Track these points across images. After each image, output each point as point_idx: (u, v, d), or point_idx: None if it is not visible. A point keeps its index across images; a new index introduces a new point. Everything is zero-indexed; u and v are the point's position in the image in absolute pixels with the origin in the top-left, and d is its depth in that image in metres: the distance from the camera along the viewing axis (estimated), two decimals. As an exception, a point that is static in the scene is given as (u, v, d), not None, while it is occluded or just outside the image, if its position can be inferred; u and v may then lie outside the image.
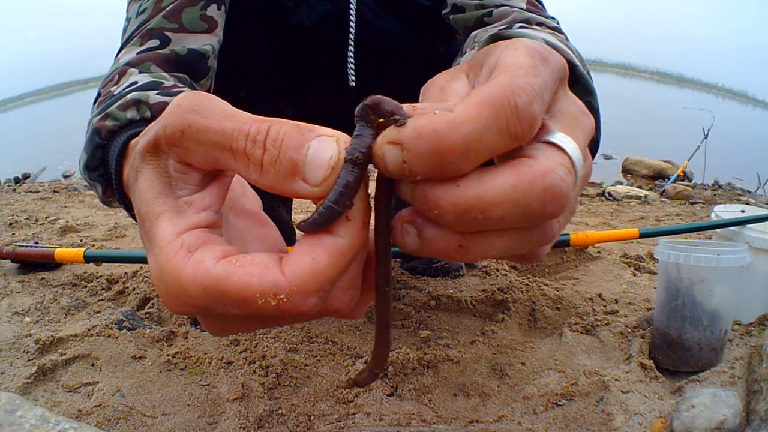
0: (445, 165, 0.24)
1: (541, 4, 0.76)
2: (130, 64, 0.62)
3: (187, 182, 0.29)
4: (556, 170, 0.25)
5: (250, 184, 0.38)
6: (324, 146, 0.25)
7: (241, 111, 0.28)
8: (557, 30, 0.65)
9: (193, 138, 0.27)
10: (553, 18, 0.69)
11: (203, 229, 0.29)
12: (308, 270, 0.25)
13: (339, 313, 0.29)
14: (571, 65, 0.51)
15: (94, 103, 0.59)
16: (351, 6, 0.88)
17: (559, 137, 0.27)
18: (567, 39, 0.63)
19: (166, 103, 0.51)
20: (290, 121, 0.26)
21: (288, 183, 0.26)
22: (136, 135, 0.47)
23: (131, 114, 0.51)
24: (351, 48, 0.90)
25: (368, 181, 0.26)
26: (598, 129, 0.56)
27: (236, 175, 0.35)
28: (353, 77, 0.92)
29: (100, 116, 0.52)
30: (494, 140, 0.24)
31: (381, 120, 0.25)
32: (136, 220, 0.32)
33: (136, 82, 0.57)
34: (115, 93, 0.56)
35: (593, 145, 0.57)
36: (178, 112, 0.27)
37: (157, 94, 0.53)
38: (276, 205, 1.16)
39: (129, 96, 0.53)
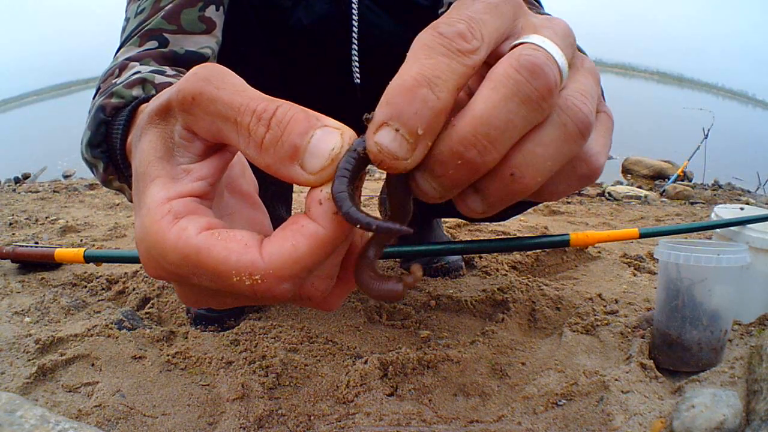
0: (427, 101, 0.24)
1: (539, 3, 0.76)
2: (131, 59, 0.63)
3: (189, 150, 0.30)
4: (520, 51, 0.26)
5: (254, 170, 0.38)
6: (328, 137, 0.26)
7: (255, 89, 0.28)
8: None
9: (201, 106, 0.28)
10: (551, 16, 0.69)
11: (194, 198, 0.29)
12: (286, 256, 0.25)
13: (312, 301, 0.29)
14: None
15: (94, 97, 0.59)
16: (353, 6, 0.89)
17: (520, 39, 0.28)
18: None
19: (171, 84, 0.51)
20: (299, 105, 0.27)
21: (285, 166, 0.26)
22: (144, 101, 0.48)
23: (137, 91, 0.52)
24: (355, 46, 0.91)
25: (364, 178, 0.27)
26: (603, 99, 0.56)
27: (238, 155, 0.35)
28: (358, 75, 0.93)
29: (104, 96, 0.52)
30: (446, 62, 0.25)
31: None
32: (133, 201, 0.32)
33: (138, 72, 0.58)
34: (117, 82, 0.56)
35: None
36: (193, 79, 0.28)
37: (162, 76, 0.54)
38: (276, 204, 1.16)
39: (134, 76, 0.54)
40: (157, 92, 0.51)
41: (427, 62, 0.25)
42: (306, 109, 0.27)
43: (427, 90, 0.24)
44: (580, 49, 0.53)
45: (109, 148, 0.52)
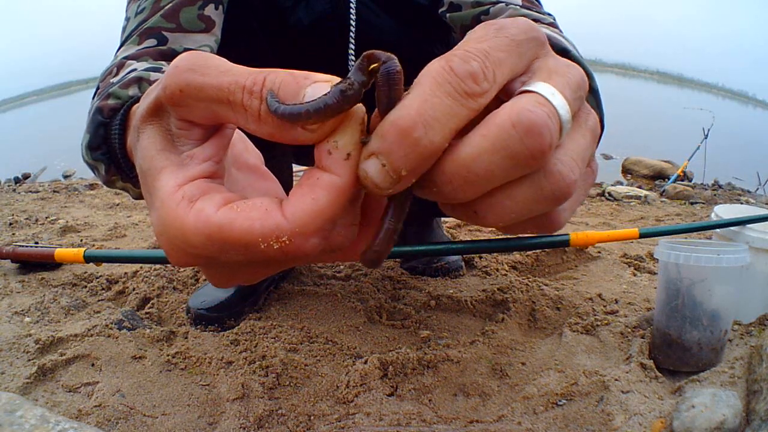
0: (417, 145, 0.24)
1: (538, 1, 0.76)
2: (128, 57, 0.63)
3: (189, 138, 0.30)
4: (524, 105, 0.25)
5: (251, 139, 0.38)
6: (319, 92, 0.26)
7: (239, 65, 0.28)
8: (553, 26, 0.65)
9: (191, 95, 0.28)
10: (549, 14, 0.69)
11: (204, 179, 0.29)
12: (308, 210, 0.26)
13: (341, 251, 0.29)
14: (565, 51, 0.52)
15: (94, 96, 0.60)
16: (351, 5, 0.89)
17: (530, 85, 0.27)
18: (562, 34, 0.63)
19: None
20: (285, 69, 0.27)
21: (286, 131, 0.26)
22: (136, 102, 0.48)
23: (132, 91, 0.52)
24: (352, 46, 0.91)
25: (365, 121, 0.27)
26: (600, 109, 0.56)
27: (237, 131, 0.35)
28: None
29: (101, 98, 0.53)
30: (449, 104, 0.25)
31: (374, 65, 0.25)
32: (140, 198, 0.32)
33: (135, 69, 0.58)
34: (114, 82, 0.57)
35: (599, 116, 0.56)
36: (176, 72, 0.28)
37: (158, 73, 0.54)
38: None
39: (130, 75, 0.54)
40: None
41: (429, 100, 0.24)
42: (293, 71, 0.27)
43: (421, 133, 0.24)
44: (594, 88, 0.53)
45: (109, 149, 0.52)
